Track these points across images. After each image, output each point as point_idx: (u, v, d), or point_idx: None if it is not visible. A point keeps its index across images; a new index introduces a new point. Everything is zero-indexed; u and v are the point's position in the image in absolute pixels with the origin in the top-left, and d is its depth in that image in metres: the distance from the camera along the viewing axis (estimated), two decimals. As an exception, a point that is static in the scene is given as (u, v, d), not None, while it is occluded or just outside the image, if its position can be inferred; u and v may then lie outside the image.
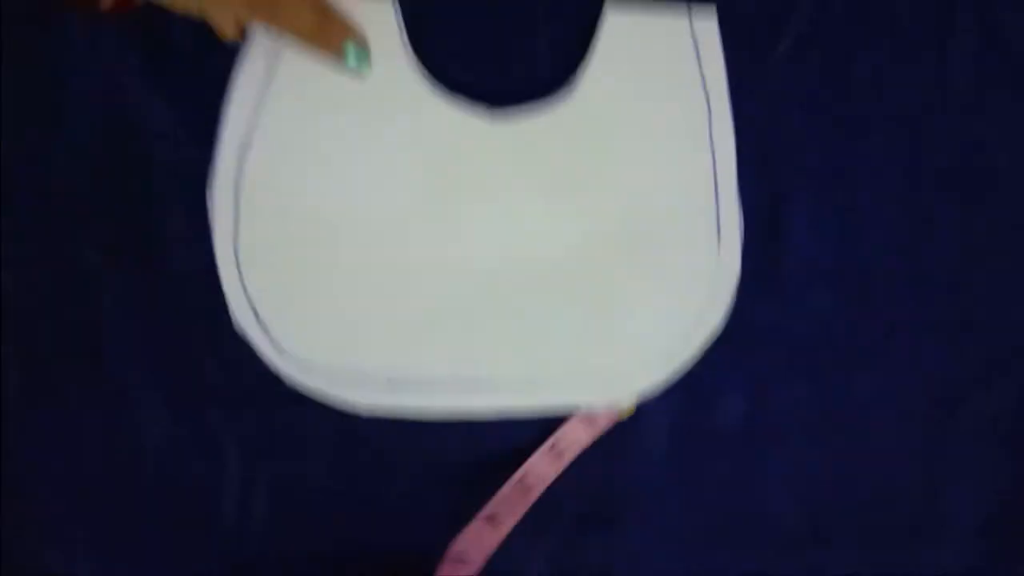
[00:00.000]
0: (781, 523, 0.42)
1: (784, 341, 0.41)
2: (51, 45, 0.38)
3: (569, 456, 0.40)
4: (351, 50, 0.37)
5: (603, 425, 0.40)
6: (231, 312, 0.38)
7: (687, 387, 0.41)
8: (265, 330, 0.39)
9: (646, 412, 0.41)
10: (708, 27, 0.40)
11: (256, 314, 0.38)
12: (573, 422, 0.40)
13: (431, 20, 0.39)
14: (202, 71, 0.38)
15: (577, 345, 0.40)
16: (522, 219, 0.40)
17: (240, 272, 0.38)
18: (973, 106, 0.41)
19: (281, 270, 0.38)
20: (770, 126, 0.40)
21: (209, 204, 0.38)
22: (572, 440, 0.40)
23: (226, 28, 0.35)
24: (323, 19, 0.36)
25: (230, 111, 0.38)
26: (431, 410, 0.40)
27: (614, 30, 0.39)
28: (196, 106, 0.38)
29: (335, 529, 0.40)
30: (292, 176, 0.38)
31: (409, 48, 0.39)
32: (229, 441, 0.39)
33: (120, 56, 0.38)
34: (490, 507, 0.38)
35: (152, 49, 0.38)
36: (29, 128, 0.38)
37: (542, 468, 0.39)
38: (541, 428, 0.40)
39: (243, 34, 0.37)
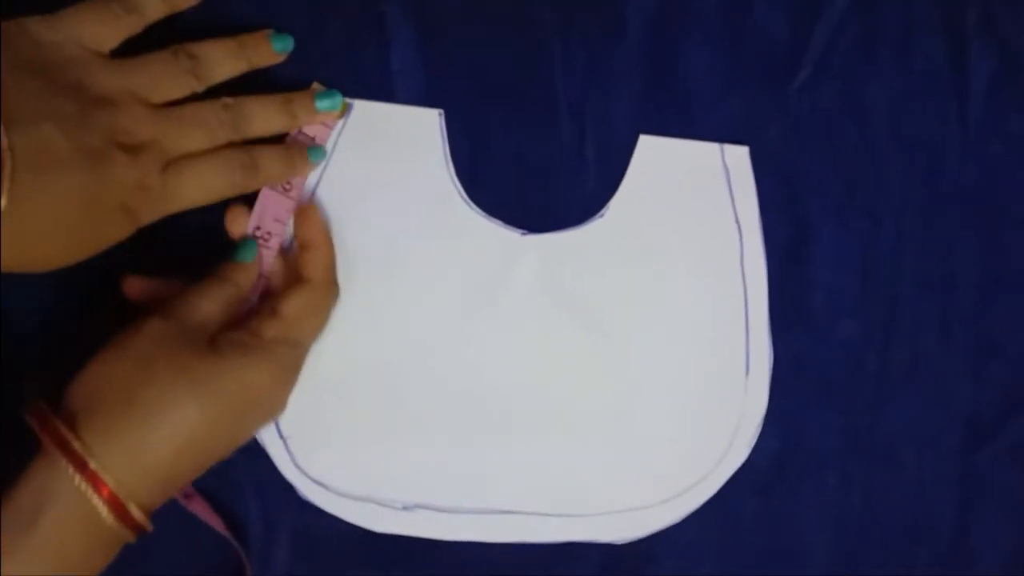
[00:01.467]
0: (815, 558, 0.41)
1: (813, 375, 0.41)
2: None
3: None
4: (319, 100, 0.37)
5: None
6: None
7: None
8: (285, 444, 0.38)
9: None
10: (739, 156, 0.40)
11: (278, 427, 0.38)
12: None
13: (472, 136, 0.39)
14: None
15: (599, 481, 0.40)
16: (549, 347, 0.40)
17: None
18: (991, 131, 0.42)
19: (306, 383, 0.37)
20: (791, 159, 0.41)
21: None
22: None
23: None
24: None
25: None
26: (445, 539, 0.39)
27: (647, 154, 0.40)
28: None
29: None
30: None
31: (450, 161, 0.39)
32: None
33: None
34: None
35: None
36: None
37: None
38: (553, 550, 0.40)
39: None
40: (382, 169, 0.38)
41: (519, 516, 0.39)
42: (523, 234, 0.39)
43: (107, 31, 0.33)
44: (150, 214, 0.33)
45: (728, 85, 0.40)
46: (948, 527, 0.42)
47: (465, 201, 0.39)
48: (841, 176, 0.41)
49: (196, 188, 0.33)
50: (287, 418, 0.37)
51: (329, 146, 0.38)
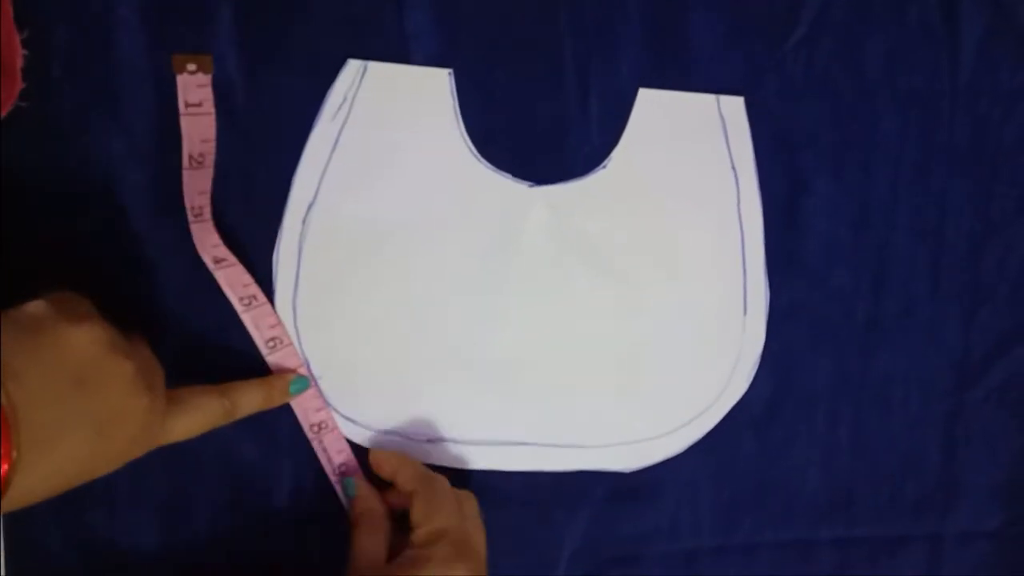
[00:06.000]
0: (808, 494, 0.44)
1: (807, 320, 0.43)
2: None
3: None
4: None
5: None
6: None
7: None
8: (317, 384, 0.40)
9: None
10: (735, 105, 0.42)
11: (308, 367, 0.40)
12: None
13: (482, 94, 0.41)
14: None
15: (607, 414, 0.42)
16: (560, 291, 0.42)
17: (297, 328, 0.40)
18: (983, 83, 0.43)
19: (335, 329, 0.40)
20: (787, 114, 0.42)
21: (274, 260, 0.40)
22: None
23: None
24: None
25: (299, 172, 0.39)
26: (466, 468, 0.42)
27: (646, 107, 0.41)
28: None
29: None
30: (350, 239, 0.40)
31: (460, 118, 0.40)
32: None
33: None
34: None
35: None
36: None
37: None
38: (563, 481, 0.42)
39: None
40: (396, 128, 0.40)
41: (533, 447, 0.42)
42: (531, 186, 0.41)
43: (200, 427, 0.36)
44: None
45: (727, 43, 0.41)
46: (935, 462, 0.45)
47: (475, 156, 0.41)
48: (836, 130, 0.43)
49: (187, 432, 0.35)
50: (320, 361, 0.40)
51: (345, 107, 0.39)
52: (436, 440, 0.41)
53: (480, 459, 0.42)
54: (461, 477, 0.42)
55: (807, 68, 0.42)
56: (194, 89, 0.38)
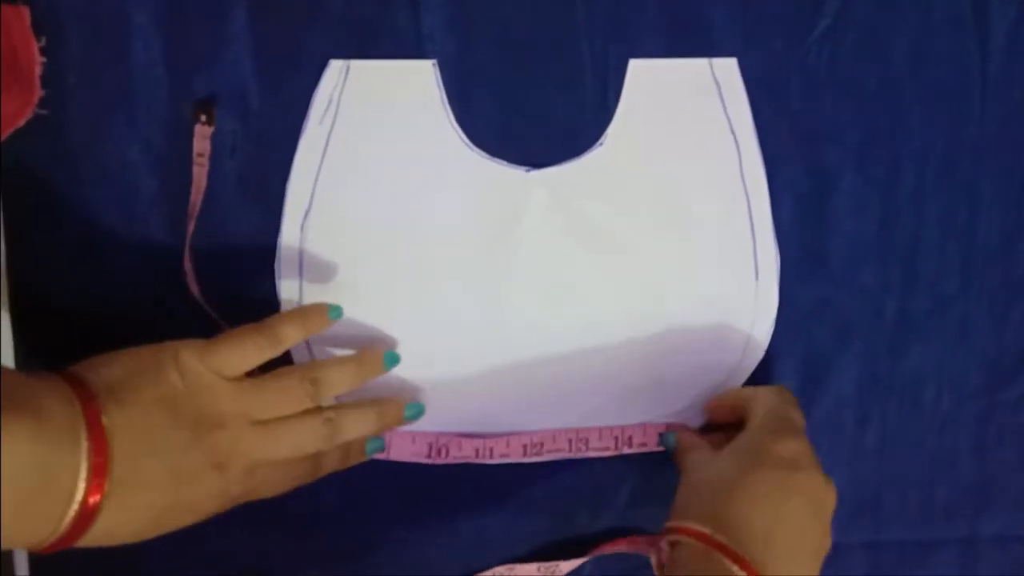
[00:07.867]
0: (839, 498, 0.41)
1: (834, 319, 0.42)
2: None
3: None
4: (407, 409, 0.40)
5: None
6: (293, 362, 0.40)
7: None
8: None
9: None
10: (728, 68, 0.41)
11: None
12: None
13: (469, 83, 0.40)
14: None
15: (625, 393, 0.41)
16: (567, 274, 0.41)
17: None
18: (1012, 77, 0.42)
19: (349, 337, 0.40)
20: (812, 109, 0.41)
21: (276, 269, 0.40)
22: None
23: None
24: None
25: (291, 179, 0.39)
26: (483, 464, 0.41)
27: (638, 78, 0.40)
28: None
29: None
30: (350, 241, 0.40)
31: (449, 108, 0.40)
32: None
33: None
34: None
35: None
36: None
37: None
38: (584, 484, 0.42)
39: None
40: (385, 124, 0.40)
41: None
42: (528, 171, 0.41)
43: (249, 361, 0.35)
44: (227, 506, 0.35)
45: (749, 36, 0.41)
46: (967, 464, 0.44)
47: (468, 146, 0.40)
48: (861, 125, 0.42)
49: (274, 485, 0.36)
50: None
51: (332, 109, 0.39)
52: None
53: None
54: (479, 469, 0.41)
55: (831, 61, 0.41)
56: (201, 140, 0.38)
